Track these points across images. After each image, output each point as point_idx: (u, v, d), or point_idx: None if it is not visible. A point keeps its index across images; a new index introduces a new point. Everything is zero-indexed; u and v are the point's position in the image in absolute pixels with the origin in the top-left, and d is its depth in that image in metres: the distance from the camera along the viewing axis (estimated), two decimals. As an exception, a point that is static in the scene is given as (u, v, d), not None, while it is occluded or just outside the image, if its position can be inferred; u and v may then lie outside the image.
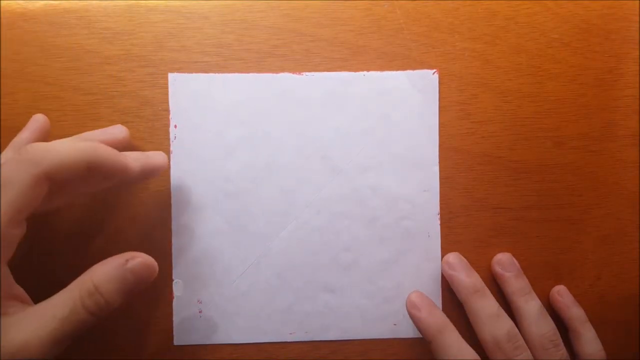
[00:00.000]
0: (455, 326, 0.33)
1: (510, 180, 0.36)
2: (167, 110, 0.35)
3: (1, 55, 0.34)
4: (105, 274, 0.26)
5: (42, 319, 0.25)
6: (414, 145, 0.35)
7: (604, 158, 0.36)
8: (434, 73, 0.35)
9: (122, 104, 0.34)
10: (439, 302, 0.35)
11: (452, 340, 0.32)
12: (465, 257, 0.35)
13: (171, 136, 0.35)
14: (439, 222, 0.35)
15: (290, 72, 0.35)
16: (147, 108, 0.35)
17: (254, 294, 0.35)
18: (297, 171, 0.35)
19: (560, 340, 0.33)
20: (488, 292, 0.34)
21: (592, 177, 0.36)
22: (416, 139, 0.35)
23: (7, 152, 0.30)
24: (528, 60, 0.36)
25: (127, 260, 0.27)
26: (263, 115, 0.35)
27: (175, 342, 0.34)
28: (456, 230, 0.36)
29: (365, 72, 0.35)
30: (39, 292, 0.27)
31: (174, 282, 0.34)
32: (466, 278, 0.34)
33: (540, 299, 0.34)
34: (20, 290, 0.26)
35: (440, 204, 0.35)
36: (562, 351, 0.33)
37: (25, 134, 0.32)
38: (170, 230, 0.35)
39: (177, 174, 0.35)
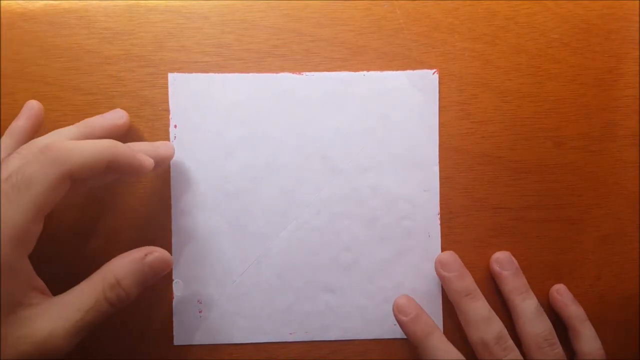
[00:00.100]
0: (453, 325, 0.33)
1: (510, 180, 0.36)
2: (167, 110, 0.35)
3: (1, 55, 0.34)
4: (125, 268, 0.28)
5: (66, 310, 0.26)
6: (414, 145, 0.35)
7: (604, 158, 0.36)
8: (434, 73, 0.35)
9: (122, 104, 0.34)
10: (438, 302, 0.35)
11: (437, 343, 0.32)
12: (465, 257, 0.35)
13: (171, 136, 0.35)
14: (439, 222, 0.35)
15: (290, 72, 0.35)
16: (147, 108, 0.35)
17: (254, 294, 0.35)
18: (297, 171, 0.35)
19: (556, 340, 0.33)
20: (479, 294, 0.34)
21: (592, 177, 0.36)
22: (416, 139, 0.35)
23: (6, 140, 0.31)
24: (528, 60, 0.36)
25: (145, 255, 0.28)
26: (263, 115, 0.35)
27: (175, 342, 0.34)
28: (456, 230, 0.36)
29: (365, 72, 0.35)
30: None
31: (174, 282, 0.34)
32: (457, 280, 0.34)
33: (540, 299, 0.34)
34: (40, 282, 0.27)
35: (440, 204, 0.35)
36: (558, 350, 0.33)
37: (20, 121, 0.32)
38: (170, 230, 0.35)
39: (177, 174, 0.35)
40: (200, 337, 0.35)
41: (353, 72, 0.35)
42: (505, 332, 0.33)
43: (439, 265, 0.34)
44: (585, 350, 0.34)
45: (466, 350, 0.33)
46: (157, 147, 0.32)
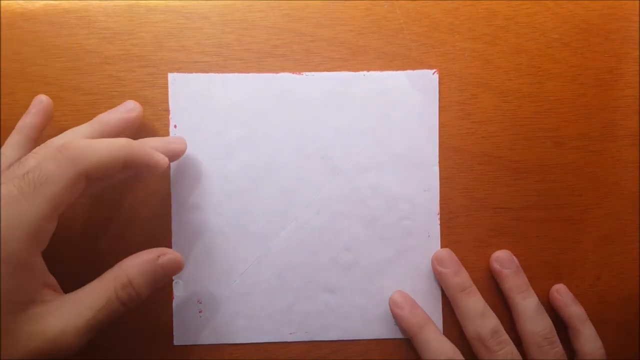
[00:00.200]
0: (453, 325, 0.34)
1: (510, 180, 0.36)
2: (167, 110, 0.35)
3: (1, 55, 0.34)
4: (138, 268, 0.28)
5: (78, 308, 0.26)
6: (414, 145, 0.35)
7: (604, 158, 0.36)
8: (434, 73, 0.35)
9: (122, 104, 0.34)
10: (438, 302, 0.35)
11: (432, 335, 0.33)
12: (465, 257, 0.35)
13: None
14: (439, 222, 0.35)
15: (290, 72, 0.35)
16: (147, 108, 0.35)
17: (254, 294, 0.35)
18: (297, 171, 0.35)
19: (556, 338, 0.34)
20: (475, 289, 0.34)
21: (592, 177, 0.36)
22: (416, 138, 0.35)
23: (15, 136, 0.31)
24: (528, 60, 0.36)
25: (158, 256, 0.28)
26: (263, 115, 0.35)
27: (176, 342, 0.34)
28: (456, 230, 0.36)
29: (365, 72, 0.35)
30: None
31: (174, 283, 0.34)
32: (453, 276, 0.34)
33: (540, 299, 0.34)
34: (52, 279, 0.27)
35: (440, 204, 0.35)
36: (557, 349, 0.33)
37: (29, 117, 0.32)
38: (170, 230, 0.35)
39: (177, 174, 0.35)
40: (201, 337, 0.34)
41: (353, 72, 0.35)
42: (500, 326, 0.34)
43: (436, 262, 0.35)
44: (585, 349, 0.34)
45: (466, 348, 0.33)
46: (170, 142, 0.32)
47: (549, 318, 0.34)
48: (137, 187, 0.35)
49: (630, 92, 0.36)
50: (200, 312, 0.35)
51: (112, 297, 0.27)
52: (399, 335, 0.35)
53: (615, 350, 0.35)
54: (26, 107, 0.33)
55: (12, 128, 0.32)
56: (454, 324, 0.35)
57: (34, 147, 0.30)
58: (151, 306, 0.34)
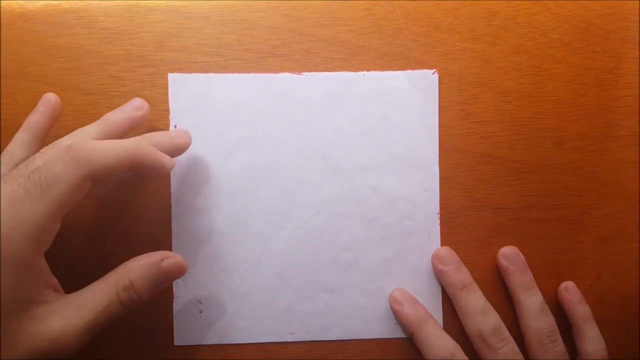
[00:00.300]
0: (454, 324, 0.34)
1: (510, 180, 0.36)
2: (167, 110, 0.35)
3: (1, 55, 0.34)
4: (140, 270, 0.28)
5: (79, 309, 0.26)
6: (414, 145, 0.35)
7: (604, 158, 0.36)
8: (433, 73, 0.35)
9: (122, 104, 0.34)
10: (438, 301, 0.35)
11: (432, 331, 0.34)
12: (465, 257, 0.35)
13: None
14: (439, 221, 0.35)
15: (290, 72, 0.35)
16: (147, 108, 0.34)
17: (254, 294, 0.35)
18: (297, 171, 0.35)
19: (558, 337, 0.34)
20: (476, 287, 0.34)
21: (592, 177, 0.36)
22: (416, 138, 0.35)
23: (22, 134, 0.31)
24: (528, 60, 0.36)
25: (162, 260, 0.28)
26: (263, 116, 0.35)
27: (176, 343, 0.34)
28: (456, 230, 0.36)
29: (365, 72, 0.35)
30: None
31: (174, 283, 0.34)
32: (454, 273, 0.34)
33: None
34: (54, 280, 0.27)
35: (440, 204, 0.35)
36: (559, 347, 0.33)
37: (36, 116, 0.32)
38: (170, 230, 0.35)
39: (177, 174, 0.35)
40: (201, 338, 0.34)
41: (353, 72, 0.35)
42: (502, 324, 0.34)
43: (436, 260, 0.35)
44: (588, 350, 0.34)
45: (466, 347, 0.33)
46: (174, 136, 0.32)
47: (552, 316, 0.34)
48: (137, 188, 0.35)
49: (630, 92, 0.36)
50: (200, 312, 0.35)
51: (114, 299, 0.27)
52: (399, 335, 0.35)
53: (615, 350, 0.35)
54: (26, 107, 0.33)
55: (12, 128, 0.32)
56: (454, 324, 0.35)
57: (41, 145, 0.30)
58: (152, 306, 0.34)
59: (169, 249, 0.34)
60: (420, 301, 0.35)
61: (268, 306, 0.35)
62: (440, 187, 0.35)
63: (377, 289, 0.35)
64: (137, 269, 0.28)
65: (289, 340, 0.35)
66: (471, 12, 0.35)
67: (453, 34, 0.35)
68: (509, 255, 0.35)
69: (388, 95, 0.35)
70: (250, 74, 0.35)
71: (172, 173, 0.35)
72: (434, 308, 0.35)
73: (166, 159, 0.29)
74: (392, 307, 0.35)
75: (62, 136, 0.30)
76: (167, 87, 0.35)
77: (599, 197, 0.36)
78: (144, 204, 0.35)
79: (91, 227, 0.34)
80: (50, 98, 0.32)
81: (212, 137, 0.35)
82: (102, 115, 0.32)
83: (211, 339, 0.35)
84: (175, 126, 0.35)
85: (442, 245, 0.35)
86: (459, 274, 0.34)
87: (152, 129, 0.35)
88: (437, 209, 0.35)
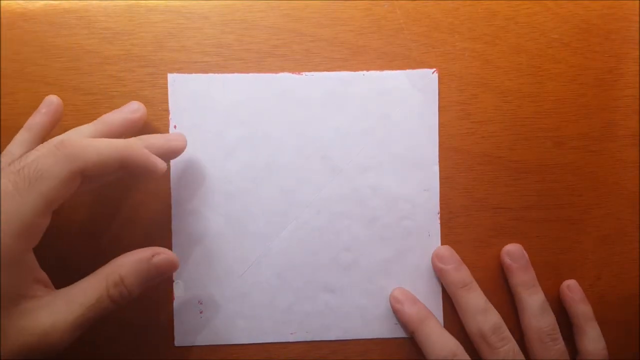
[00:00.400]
0: (454, 324, 0.34)
1: (510, 180, 0.36)
2: (167, 111, 0.35)
3: (1, 55, 0.34)
4: (131, 266, 0.28)
5: (69, 304, 0.26)
6: (413, 144, 0.35)
7: (604, 158, 0.36)
8: (433, 72, 0.35)
9: (122, 104, 0.34)
10: (439, 300, 0.35)
11: (433, 328, 0.34)
12: (465, 257, 0.35)
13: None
14: (439, 221, 0.35)
15: (290, 72, 0.35)
16: (147, 108, 0.34)
17: (254, 295, 0.35)
18: (297, 171, 0.35)
19: (559, 335, 0.34)
20: (476, 285, 0.34)
21: (592, 177, 0.36)
22: (416, 138, 0.35)
23: (24, 134, 0.31)
24: (528, 60, 0.36)
25: (152, 255, 0.28)
26: (263, 116, 0.35)
27: (176, 343, 0.34)
28: (456, 230, 0.36)
29: (364, 72, 0.35)
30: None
31: (174, 283, 0.34)
32: (454, 272, 0.34)
33: (543, 297, 0.35)
34: (43, 275, 0.27)
35: (440, 203, 0.35)
36: (560, 346, 0.34)
37: (38, 117, 0.32)
38: (170, 231, 0.35)
39: (177, 175, 0.35)
40: (202, 338, 0.34)
41: (352, 72, 0.35)
42: (502, 323, 0.34)
43: (436, 259, 0.35)
44: (588, 349, 0.34)
45: (467, 347, 0.33)
46: (169, 139, 0.32)
47: (553, 315, 0.34)
48: (137, 188, 0.35)
49: (630, 92, 0.36)
50: (201, 312, 0.35)
51: (104, 295, 0.27)
52: (399, 335, 0.35)
53: (615, 350, 0.35)
54: (26, 107, 0.33)
55: (12, 128, 0.32)
56: (454, 324, 0.35)
57: None
58: (152, 307, 0.34)
59: (169, 249, 0.34)
60: (421, 301, 0.35)
61: (268, 306, 0.35)
62: (440, 187, 0.35)
63: (377, 289, 0.35)
64: (127, 265, 0.28)
65: (289, 341, 0.35)
66: (471, 12, 0.35)
67: (453, 34, 0.35)
68: (513, 252, 0.35)
69: (388, 95, 0.35)
70: (250, 74, 0.35)
71: (172, 173, 0.35)
72: (435, 307, 0.35)
73: (158, 161, 0.29)
74: (392, 306, 0.35)
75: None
76: (167, 87, 0.35)
77: (599, 197, 0.36)
78: (144, 204, 0.35)
79: (92, 227, 0.34)
80: (52, 100, 0.32)
81: (212, 137, 0.35)
82: (102, 115, 0.32)
83: (211, 339, 0.35)
84: (175, 127, 0.35)
85: (442, 244, 0.35)
86: (460, 273, 0.34)
87: (152, 128, 0.35)
88: (437, 208, 0.35)
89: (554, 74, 0.36)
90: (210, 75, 0.35)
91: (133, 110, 0.33)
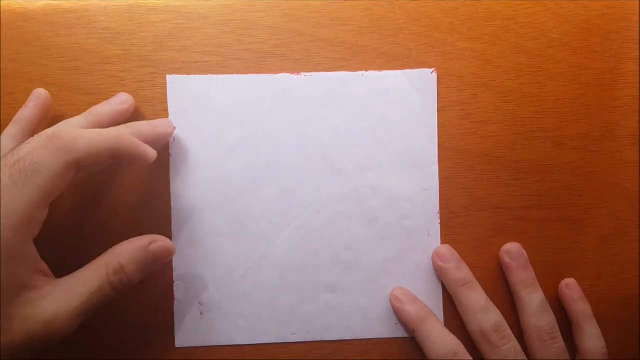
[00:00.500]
0: (455, 323, 0.34)
1: (510, 180, 0.36)
2: (167, 111, 0.35)
3: (1, 55, 0.34)
4: (129, 254, 0.29)
5: (71, 293, 0.27)
6: (413, 144, 0.35)
7: (604, 158, 0.36)
8: (432, 72, 0.35)
9: (122, 104, 0.34)
10: (439, 300, 0.35)
11: (433, 327, 0.34)
12: (465, 257, 0.35)
13: (170, 138, 0.34)
14: (439, 220, 0.35)
15: (290, 72, 0.35)
16: (147, 108, 0.35)
17: (255, 295, 0.35)
18: (297, 171, 0.35)
19: (558, 334, 0.34)
20: (477, 284, 0.34)
21: (592, 177, 0.36)
22: (416, 137, 0.35)
23: (13, 127, 0.32)
24: (528, 60, 0.36)
25: (150, 243, 0.29)
26: (262, 116, 0.35)
27: (177, 344, 0.34)
28: (456, 230, 0.36)
29: (363, 72, 0.35)
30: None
31: (175, 284, 0.34)
32: (455, 271, 0.34)
33: (543, 296, 0.35)
34: (44, 265, 0.28)
35: (440, 203, 0.35)
36: (559, 344, 0.34)
37: (27, 110, 0.32)
38: (170, 231, 0.35)
39: (177, 176, 0.35)
40: (202, 339, 0.34)
41: (352, 72, 0.35)
42: (503, 321, 0.34)
43: (437, 258, 0.35)
44: (588, 347, 0.34)
45: (468, 346, 0.33)
46: (156, 125, 0.32)
47: (552, 314, 0.34)
48: (137, 189, 0.35)
49: (630, 92, 0.36)
50: (201, 313, 0.35)
51: (104, 282, 0.27)
52: (400, 335, 0.35)
53: (615, 350, 0.35)
54: (26, 106, 0.33)
55: (13, 128, 0.32)
56: (455, 324, 0.35)
57: None
58: (153, 308, 0.34)
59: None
60: (421, 300, 0.35)
61: (269, 307, 0.35)
62: (440, 187, 0.35)
63: (377, 289, 0.35)
64: (126, 253, 0.29)
65: (290, 341, 0.35)
66: (471, 12, 0.35)
67: (453, 34, 0.35)
68: (512, 251, 0.35)
69: (387, 95, 0.35)
70: (249, 75, 0.35)
71: (171, 174, 0.35)
72: (435, 307, 0.35)
73: (148, 149, 0.30)
74: (393, 305, 0.35)
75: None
76: (166, 87, 0.35)
77: (599, 197, 0.36)
78: (144, 205, 0.35)
79: (92, 228, 0.34)
80: (40, 93, 0.33)
81: (211, 138, 0.35)
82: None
83: (212, 340, 0.35)
84: (174, 128, 0.35)
85: (442, 243, 0.35)
86: (460, 272, 0.34)
87: (152, 129, 0.34)
88: (437, 208, 0.35)
89: (554, 74, 0.36)
90: (210, 76, 0.35)
91: (122, 101, 0.33)
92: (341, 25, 0.35)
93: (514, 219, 0.36)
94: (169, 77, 0.35)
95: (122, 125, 0.31)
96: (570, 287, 0.35)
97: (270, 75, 0.35)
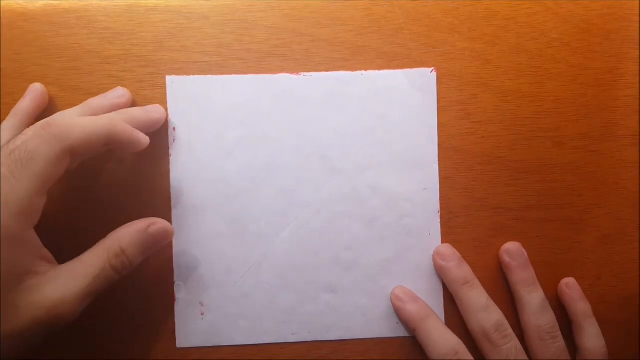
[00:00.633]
0: (456, 323, 0.34)
1: (510, 180, 0.36)
2: (167, 111, 0.35)
3: (1, 55, 0.34)
4: (130, 237, 0.29)
5: (74, 277, 0.27)
6: (413, 143, 0.35)
7: (604, 158, 0.36)
8: (432, 71, 0.35)
9: (122, 104, 0.34)
10: (440, 299, 0.35)
11: (434, 326, 0.34)
12: (465, 257, 0.35)
13: (170, 139, 0.34)
14: (439, 219, 0.35)
15: (290, 72, 0.35)
16: (147, 108, 0.34)
17: (255, 295, 0.35)
18: (296, 171, 0.35)
19: (558, 333, 0.34)
20: (478, 283, 0.34)
21: (592, 177, 0.36)
22: (415, 137, 0.35)
23: (10, 119, 0.32)
24: (528, 60, 0.36)
25: (149, 226, 0.30)
26: (262, 116, 0.35)
27: (178, 345, 0.34)
28: (456, 230, 0.36)
29: (363, 72, 0.35)
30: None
31: (175, 285, 0.34)
32: (456, 269, 0.34)
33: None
34: (46, 252, 0.28)
35: (440, 203, 0.35)
36: (559, 343, 0.34)
37: (24, 102, 0.33)
38: (170, 231, 0.35)
39: (177, 176, 0.35)
40: (203, 339, 0.34)
41: (351, 72, 0.35)
42: (504, 320, 0.34)
43: (437, 257, 0.35)
44: (588, 347, 0.34)
45: (468, 346, 0.33)
46: (149, 111, 0.33)
47: (553, 313, 0.34)
48: (137, 189, 0.35)
49: (630, 92, 0.36)
50: (202, 314, 0.35)
51: (106, 266, 0.28)
52: (400, 334, 0.35)
53: (615, 350, 0.35)
54: (26, 106, 0.33)
55: (12, 127, 0.32)
56: (456, 323, 0.35)
57: None
58: (153, 309, 0.34)
59: (170, 252, 0.34)
60: (422, 299, 0.35)
61: (269, 307, 0.35)
62: (440, 187, 0.35)
63: (378, 288, 0.35)
64: (127, 236, 0.29)
65: (291, 341, 0.35)
66: (471, 12, 0.35)
67: (453, 34, 0.35)
68: (512, 251, 0.35)
69: (387, 94, 0.35)
70: (249, 75, 0.35)
71: (171, 174, 0.35)
72: (436, 306, 0.35)
73: (141, 135, 0.31)
74: (393, 305, 0.35)
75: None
76: (166, 88, 0.35)
77: (599, 197, 0.36)
78: (144, 205, 0.35)
79: (90, 229, 0.34)
80: (36, 87, 0.33)
81: (211, 139, 0.35)
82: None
83: (213, 340, 0.35)
84: (174, 129, 0.35)
85: (442, 243, 0.35)
86: (461, 270, 0.34)
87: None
88: (437, 207, 0.35)
89: (554, 74, 0.36)
90: (209, 76, 0.35)
91: (119, 95, 0.33)
92: (341, 25, 0.35)
93: (514, 219, 0.36)
94: (168, 78, 0.35)
95: (114, 112, 0.32)
96: (570, 287, 0.35)
97: (269, 75, 0.35)
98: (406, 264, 0.35)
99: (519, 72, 0.36)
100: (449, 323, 0.35)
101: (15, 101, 0.34)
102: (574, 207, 0.36)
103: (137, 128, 0.31)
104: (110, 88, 0.34)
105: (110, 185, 0.34)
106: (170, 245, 0.34)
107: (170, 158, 0.35)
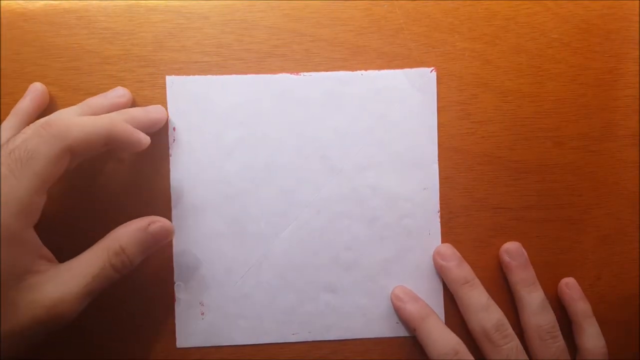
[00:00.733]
0: (456, 323, 0.34)
1: (510, 180, 0.36)
2: (167, 111, 0.35)
3: (1, 55, 0.34)
4: (129, 236, 0.29)
5: (74, 276, 0.27)
6: (413, 143, 0.35)
7: (604, 158, 0.36)
8: (431, 71, 0.35)
9: (122, 104, 0.34)
10: (440, 299, 0.35)
11: (434, 326, 0.34)
12: (465, 257, 0.35)
13: (170, 139, 0.34)
14: (439, 219, 0.35)
15: (290, 72, 0.35)
16: (147, 108, 0.34)
17: (255, 295, 0.35)
18: (296, 171, 0.35)
19: (558, 333, 0.34)
20: (478, 283, 0.34)
21: (592, 177, 0.36)
22: (415, 136, 0.35)
23: (11, 119, 0.32)
24: (528, 60, 0.36)
25: (148, 224, 0.30)
26: (262, 116, 0.35)
27: (178, 345, 0.34)
28: (456, 230, 0.36)
29: (362, 72, 0.35)
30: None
31: (175, 285, 0.34)
32: (456, 269, 0.34)
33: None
34: (46, 251, 0.28)
35: (440, 203, 0.35)
36: (559, 343, 0.34)
37: (24, 102, 0.33)
38: (170, 231, 0.35)
39: (177, 176, 0.35)
40: (203, 339, 0.34)
41: (351, 72, 0.35)
42: (505, 320, 0.34)
43: (438, 256, 0.35)
44: (588, 347, 0.34)
45: (469, 346, 0.33)
46: (149, 111, 0.33)
47: (553, 313, 0.34)
48: (137, 189, 0.35)
49: (630, 92, 0.36)
50: (202, 314, 0.35)
51: (106, 265, 0.28)
52: (400, 334, 0.35)
53: (615, 350, 0.35)
54: (26, 106, 0.33)
55: (12, 127, 0.32)
56: (456, 323, 0.35)
57: None
58: (153, 309, 0.34)
59: (170, 251, 0.34)
60: (422, 299, 0.35)
61: (269, 307, 0.35)
62: (440, 187, 0.35)
63: (378, 288, 0.35)
64: (126, 235, 0.29)
65: (291, 341, 0.35)
66: (471, 12, 0.35)
67: (453, 34, 0.35)
68: (512, 250, 0.35)
69: (386, 94, 0.35)
70: (249, 75, 0.35)
71: (171, 175, 0.35)
72: (436, 306, 0.35)
73: (141, 135, 0.30)
74: (393, 304, 0.35)
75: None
76: (166, 88, 0.35)
77: (599, 197, 0.36)
78: (144, 205, 0.35)
79: (91, 229, 0.34)
80: (37, 87, 0.33)
81: (211, 139, 0.35)
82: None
83: (213, 340, 0.35)
84: (174, 129, 0.35)
85: (442, 243, 0.35)
86: (461, 270, 0.34)
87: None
88: (437, 207, 0.35)
89: (554, 74, 0.36)
90: (209, 76, 0.35)
91: (119, 95, 0.33)
92: (341, 25, 0.35)
93: (514, 219, 0.36)
94: (168, 78, 0.35)
95: (115, 112, 0.31)
96: (570, 287, 0.35)
97: (269, 75, 0.35)
98: (406, 263, 0.35)
99: (519, 72, 0.36)
100: (449, 323, 0.35)
101: (15, 101, 0.34)
102: (574, 207, 0.36)
103: (137, 128, 0.31)
104: (110, 88, 0.34)
105: (110, 185, 0.34)
106: (170, 245, 0.34)
107: (170, 158, 0.35)
